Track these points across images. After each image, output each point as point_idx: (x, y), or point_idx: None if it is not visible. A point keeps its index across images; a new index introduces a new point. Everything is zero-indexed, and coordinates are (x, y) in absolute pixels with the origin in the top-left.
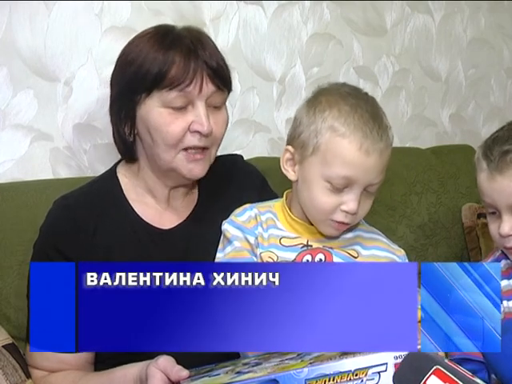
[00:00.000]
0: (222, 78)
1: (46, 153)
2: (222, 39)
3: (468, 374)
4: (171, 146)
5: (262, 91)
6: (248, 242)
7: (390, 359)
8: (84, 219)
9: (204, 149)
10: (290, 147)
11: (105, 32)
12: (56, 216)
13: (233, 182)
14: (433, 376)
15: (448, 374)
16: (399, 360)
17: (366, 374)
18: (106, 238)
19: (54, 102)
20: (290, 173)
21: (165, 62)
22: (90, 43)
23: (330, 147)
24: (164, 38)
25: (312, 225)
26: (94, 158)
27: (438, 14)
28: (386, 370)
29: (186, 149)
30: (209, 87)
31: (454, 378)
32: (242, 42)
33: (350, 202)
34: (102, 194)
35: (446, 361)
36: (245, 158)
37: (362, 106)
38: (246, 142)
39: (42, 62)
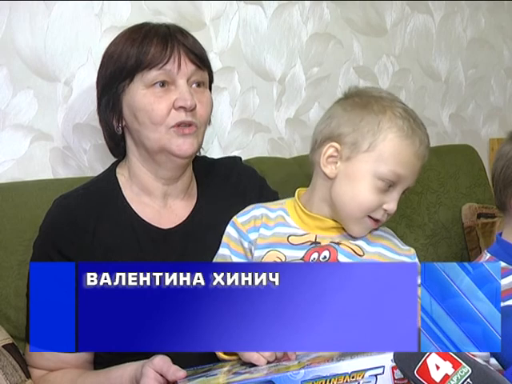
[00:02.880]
0: (200, 58)
1: (45, 153)
2: (222, 39)
3: (469, 353)
4: (158, 124)
5: (262, 91)
6: (242, 245)
7: (387, 362)
8: (83, 219)
9: (192, 125)
10: (335, 144)
11: (105, 32)
12: (55, 216)
13: (232, 184)
14: (433, 354)
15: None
16: None
17: (362, 377)
18: (105, 237)
19: (54, 101)
20: (329, 169)
21: (142, 47)
22: (90, 43)
23: (389, 145)
24: (139, 30)
25: (326, 219)
26: (94, 158)
27: (437, 14)
28: (383, 373)
29: (173, 126)
30: (188, 66)
31: (455, 357)
32: (242, 41)
33: (391, 201)
34: (101, 193)
35: None
36: (245, 158)
37: (408, 111)
38: (246, 141)
39: (42, 62)
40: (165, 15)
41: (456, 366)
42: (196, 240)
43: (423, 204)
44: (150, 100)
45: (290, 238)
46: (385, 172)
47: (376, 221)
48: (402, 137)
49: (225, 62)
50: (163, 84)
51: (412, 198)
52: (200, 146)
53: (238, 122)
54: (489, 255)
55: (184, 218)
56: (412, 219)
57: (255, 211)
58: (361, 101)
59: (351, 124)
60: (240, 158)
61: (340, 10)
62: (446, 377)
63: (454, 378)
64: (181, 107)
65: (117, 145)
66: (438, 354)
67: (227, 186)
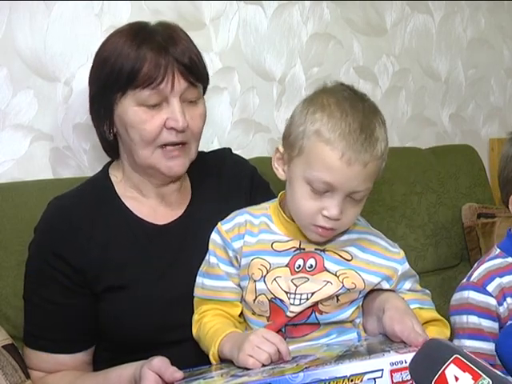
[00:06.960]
0: (194, 74)
1: (46, 153)
2: (222, 39)
3: (488, 365)
4: (148, 143)
5: (261, 91)
6: (227, 253)
7: (385, 365)
8: (78, 218)
9: (182, 145)
10: (280, 147)
11: (105, 32)
12: (50, 216)
13: (225, 175)
14: (452, 365)
15: (468, 363)
16: (395, 366)
17: (361, 380)
18: (101, 236)
19: (54, 101)
20: (279, 172)
21: (137, 59)
22: (90, 43)
23: (314, 151)
24: (136, 34)
25: None
26: (94, 157)
27: (437, 14)
28: (381, 377)
29: (162, 146)
30: (181, 83)
31: (474, 368)
32: (242, 41)
33: (330, 207)
34: (94, 193)
35: (466, 351)
36: (245, 158)
37: (354, 114)
38: (246, 142)
39: (42, 62)
40: (165, 15)
41: (476, 377)
42: (193, 234)
43: (423, 204)
44: (142, 118)
45: (273, 245)
46: (311, 178)
47: (323, 228)
48: (326, 141)
49: (225, 62)
50: (155, 104)
51: (412, 198)
52: (191, 161)
53: (237, 121)
54: (499, 250)
55: (180, 214)
56: (412, 219)
57: (239, 218)
58: (313, 99)
59: (294, 125)
60: (230, 149)
61: (340, 9)
62: None
63: None
64: (172, 128)
65: (110, 147)
66: (456, 364)
67: (221, 178)
